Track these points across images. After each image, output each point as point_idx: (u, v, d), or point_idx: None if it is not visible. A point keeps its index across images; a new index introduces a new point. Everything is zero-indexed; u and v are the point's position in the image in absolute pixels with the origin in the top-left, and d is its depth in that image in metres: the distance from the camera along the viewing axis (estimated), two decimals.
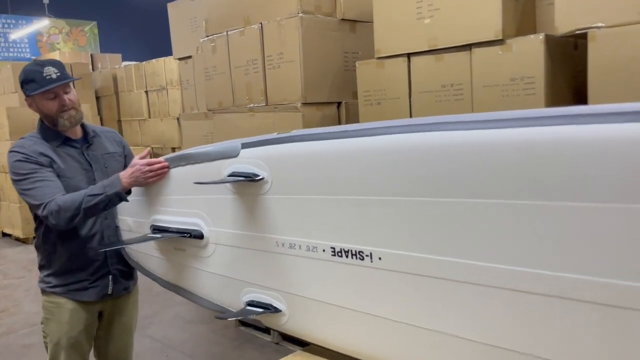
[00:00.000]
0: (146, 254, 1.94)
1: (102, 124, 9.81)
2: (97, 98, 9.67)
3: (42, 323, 1.96)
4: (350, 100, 3.08)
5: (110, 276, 1.97)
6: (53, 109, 1.85)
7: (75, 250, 1.90)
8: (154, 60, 8.76)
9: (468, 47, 2.37)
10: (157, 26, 9.87)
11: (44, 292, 1.95)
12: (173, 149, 8.27)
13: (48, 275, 1.93)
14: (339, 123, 3.07)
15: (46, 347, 1.95)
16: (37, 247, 1.97)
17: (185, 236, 1.72)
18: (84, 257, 1.91)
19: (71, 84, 1.88)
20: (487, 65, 2.33)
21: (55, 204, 1.74)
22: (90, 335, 2.00)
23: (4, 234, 7.19)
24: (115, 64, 10.95)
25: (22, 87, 1.87)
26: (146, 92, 8.68)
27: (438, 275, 1.19)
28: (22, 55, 12.88)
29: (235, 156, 1.56)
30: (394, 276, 1.27)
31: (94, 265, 1.93)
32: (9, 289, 5.00)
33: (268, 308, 1.57)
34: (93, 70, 10.14)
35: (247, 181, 1.50)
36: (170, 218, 1.80)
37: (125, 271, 2.03)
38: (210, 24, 3.39)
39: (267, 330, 3.33)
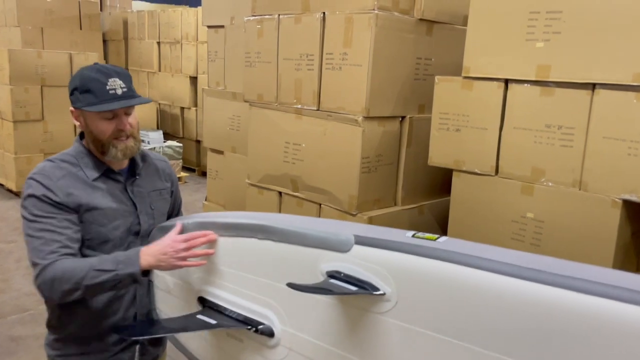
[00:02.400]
0: None
1: None
2: (104, 42, 9.06)
3: None
4: (415, 115, 2.64)
5: (138, 346, 1.57)
6: (107, 132, 1.42)
7: (98, 313, 1.49)
8: (170, 9, 8.15)
9: (590, 85, 1.93)
10: None
11: None
12: (182, 109, 7.78)
13: (59, 340, 1.52)
14: (401, 141, 2.64)
15: None
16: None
17: (249, 329, 1.32)
18: (107, 322, 1.50)
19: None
20: (613, 112, 1.89)
21: (52, 271, 1.34)
22: None
23: None
24: (125, 4, 10.32)
25: (72, 94, 1.42)
26: (158, 43, 8.10)
27: None
28: None
29: (345, 252, 1.14)
30: None
31: None
32: None
33: None
34: (101, 10, 9.45)
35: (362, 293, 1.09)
36: (229, 297, 1.39)
37: (155, 338, 1.63)
38: (259, 2, 2.89)
39: None
